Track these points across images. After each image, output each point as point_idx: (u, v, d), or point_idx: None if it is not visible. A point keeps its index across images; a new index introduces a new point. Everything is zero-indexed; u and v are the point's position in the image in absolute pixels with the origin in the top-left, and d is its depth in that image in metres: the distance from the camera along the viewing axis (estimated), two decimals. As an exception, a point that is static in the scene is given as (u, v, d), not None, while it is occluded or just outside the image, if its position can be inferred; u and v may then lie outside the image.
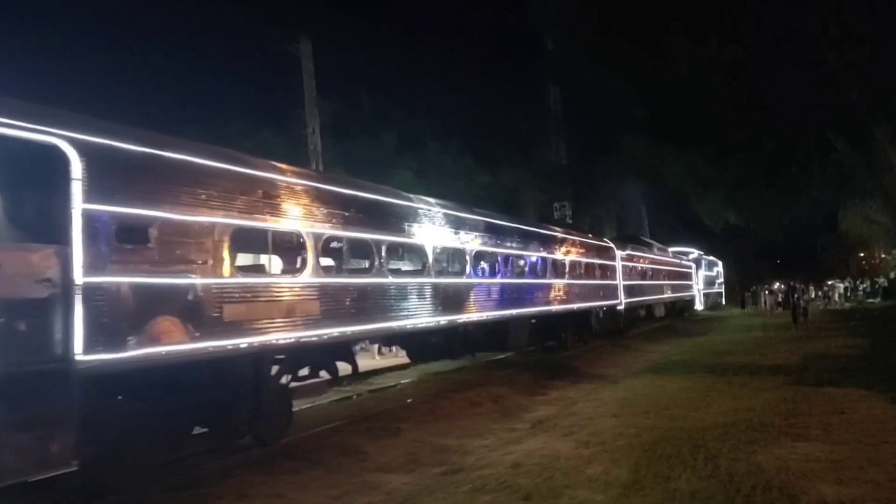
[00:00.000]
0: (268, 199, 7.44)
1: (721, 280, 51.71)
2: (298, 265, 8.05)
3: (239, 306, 6.80)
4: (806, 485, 5.78)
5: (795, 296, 27.09)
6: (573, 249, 17.71)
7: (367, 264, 9.42)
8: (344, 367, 9.50)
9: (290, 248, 8.43)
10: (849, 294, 41.46)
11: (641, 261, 25.75)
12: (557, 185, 42.13)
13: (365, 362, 14.90)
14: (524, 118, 40.31)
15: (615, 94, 27.54)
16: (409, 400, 10.98)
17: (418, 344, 12.28)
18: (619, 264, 21.67)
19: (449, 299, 10.96)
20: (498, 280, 13.09)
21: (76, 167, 5.38)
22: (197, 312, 6.31)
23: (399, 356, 15.51)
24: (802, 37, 19.33)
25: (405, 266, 12.02)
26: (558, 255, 16.45)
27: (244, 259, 8.48)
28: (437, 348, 12.53)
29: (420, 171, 28.20)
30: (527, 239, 14.79)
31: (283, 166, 8.13)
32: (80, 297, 5.25)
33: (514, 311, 13.48)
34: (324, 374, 9.14)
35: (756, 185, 26.68)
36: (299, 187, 8.03)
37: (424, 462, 7.45)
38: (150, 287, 5.89)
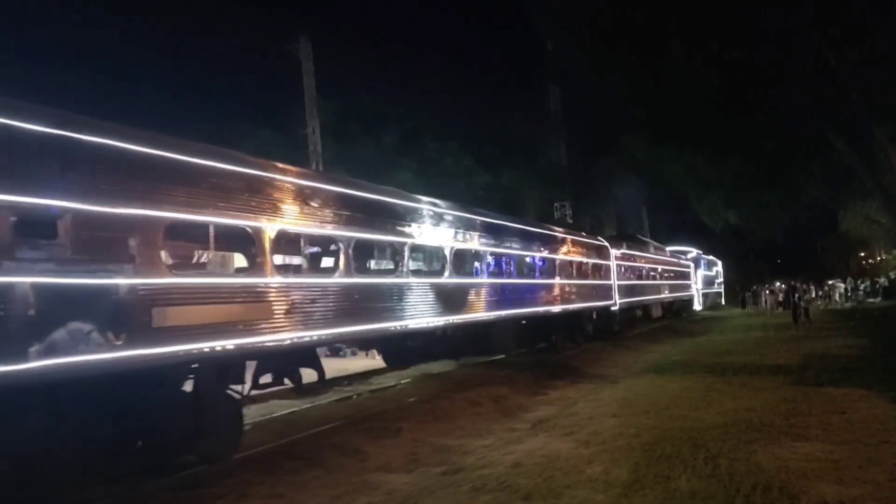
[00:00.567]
0: (214, 190, 6.75)
1: (720, 280, 51.31)
2: (251, 264, 7.44)
3: (173, 310, 6.12)
4: (806, 484, 5.78)
5: (796, 295, 27.09)
6: (564, 248, 17.24)
7: (333, 263, 8.89)
8: (325, 372, 9.29)
9: (240, 245, 7.91)
10: (849, 294, 41.45)
11: (637, 260, 25.33)
12: (557, 186, 42.22)
13: (336, 367, 14.43)
14: (524, 118, 40.41)
15: (615, 95, 27.55)
16: (411, 399, 10.97)
17: (394, 347, 11.79)
18: (613, 263, 21.18)
19: (426, 300, 10.54)
20: (481, 280, 12.59)
21: None
22: (120, 317, 5.61)
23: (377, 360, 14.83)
24: (802, 37, 19.33)
25: (381, 265, 11.53)
26: (548, 253, 15.96)
27: (185, 258, 7.97)
28: (416, 352, 12.02)
29: (420, 172, 28.23)
30: (513, 237, 14.25)
31: (232, 153, 7.47)
32: None
33: (498, 313, 12.95)
34: (320, 376, 9.01)
35: (756, 185, 26.66)
36: (252, 177, 7.41)
37: (425, 462, 7.44)
38: (59, 289, 5.18)
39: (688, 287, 37.04)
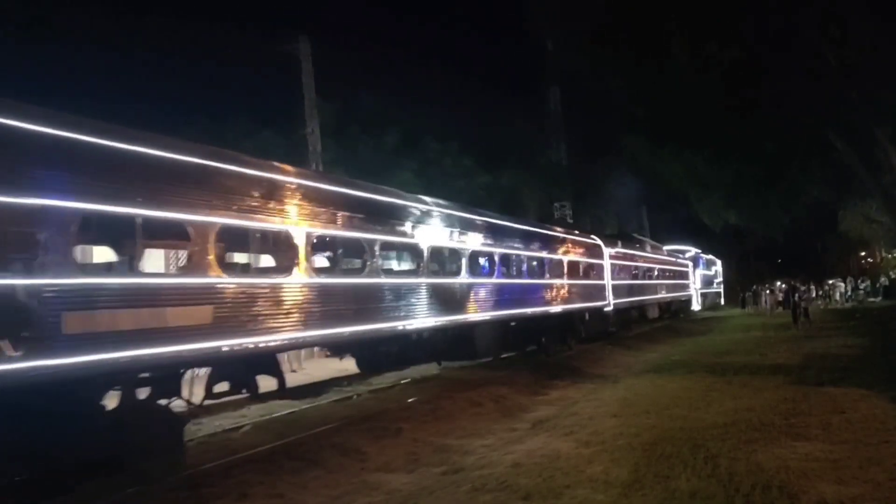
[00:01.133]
0: (137, 180, 6.03)
1: (720, 279, 50.77)
2: (184, 262, 6.78)
3: (90, 314, 5.48)
4: (806, 484, 5.78)
5: (796, 295, 27.08)
6: (555, 246, 16.60)
7: (290, 261, 8.13)
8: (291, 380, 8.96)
9: (171, 241, 7.47)
10: (849, 293, 41.44)
11: (633, 259, 24.70)
12: (558, 186, 42.23)
13: (299, 376, 14.21)
14: (524, 119, 40.44)
15: (615, 95, 27.55)
16: (411, 399, 10.97)
17: (366, 352, 11.19)
18: (607, 263, 20.49)
19: (401, 302, 9.96)
20: (462, 280, 11.90)
21: None
22: (18, 323, 4.98)
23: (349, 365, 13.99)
24: (802, 37, 19.34)
25: (350, 264, 10.82)
26: (537, 252, 15.33)
27: (105, 256, 7.52)
28: (391, 356, 11.39)
29: (420, 172, 28.23)
30: (499, 234, 13.59)
31: (157, 137, 6.58)
32: None
33: (482, 315, 12.40)
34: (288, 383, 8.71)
35: (756, 185, 26.65)
36: (186, 165, 6.68)
37: (425, 462, 7.45)
38: None
39: (686, 287, 36.45)
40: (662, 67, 21.44)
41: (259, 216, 7.49)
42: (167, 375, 6.82)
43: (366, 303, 9.19)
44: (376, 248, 9.51)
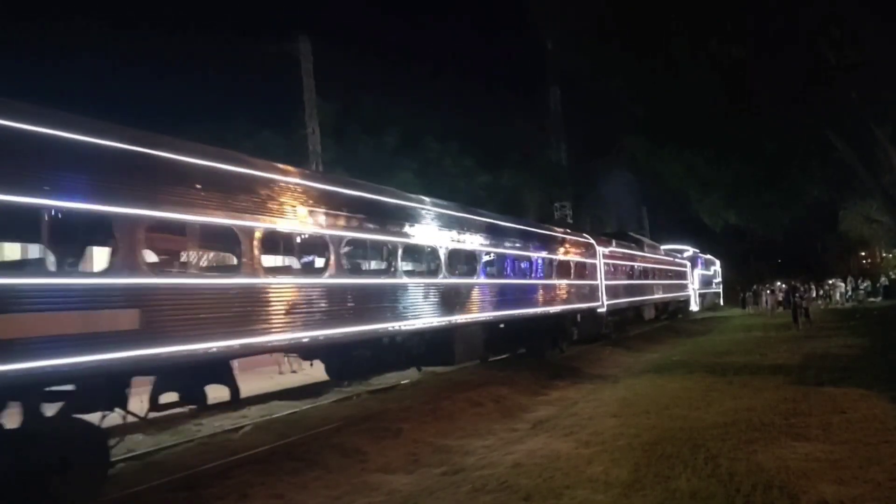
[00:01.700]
0: (43, 165, 5.39)
1: (719, 280, 50.32)
2: (114, 261, 5.97)
3: None
4: (806, 484, 5.78)
5: (796, 295, 27.07)
6: (542, 245, 15.89)
7: (235, 261, 7.47)
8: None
9: (91, 237, 6.80)
10: (849, 293, 41.45)
11: (628, 258, 24.07)
12: (558, 186, 42.26)
13: (262, 383, 13.57)
14: (525, 119, 40.48)
15: (615, 95, 27.56)
16: (411, 400, 10.97)
17: (336, 357, 10.37)
18: (600, 262, 19.79)
19: (370, 304, 9.29)
20: (439, 280, 11.18)
21: None
22: None
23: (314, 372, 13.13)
24: (803, 37, 19.35)
25: (313, 264, 10.26)
26: (523, 251, 14.71)
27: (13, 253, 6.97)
28: (364, 362, 10.61)
29: (420, 172, 28.25)
30: (483, 232, 12.94)
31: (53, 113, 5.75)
32: None
33: (463, 318, 11.72)
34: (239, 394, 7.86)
35: (756, 185, 26.64)
36: (104, 150, 5.91)
37: (425, 462, 7.45)
38: None
39: (684, 287, 35.88)
40: (663, 67, 21.44)
41: (198, 209, 6.72)
42: (90, 387, 6.13)
43: (334, 305, 8.52)
44: (342, 245, 8.77)
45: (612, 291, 20.96)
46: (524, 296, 14.50)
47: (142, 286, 6.08)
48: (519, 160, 37.59)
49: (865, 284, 42.88)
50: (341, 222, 8.93)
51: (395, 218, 10.23)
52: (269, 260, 9.15)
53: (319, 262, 9.32)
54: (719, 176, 27.19)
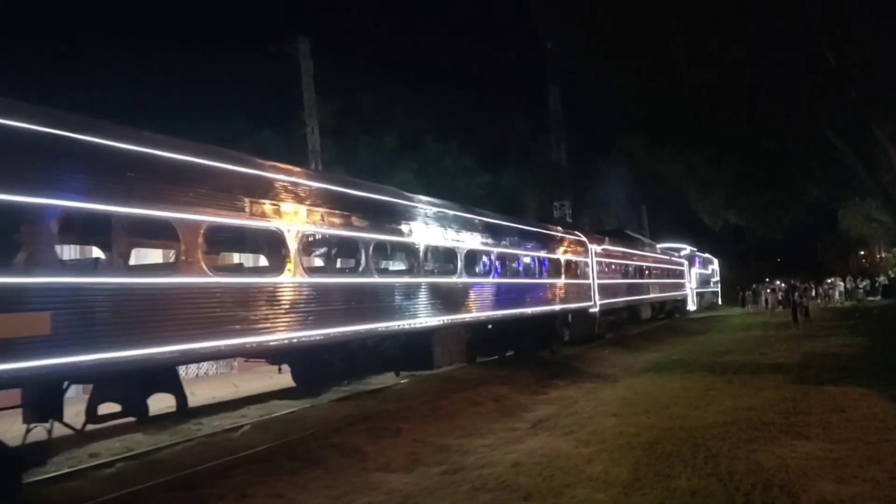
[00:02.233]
0: None
1: (717, 279, 49.80)
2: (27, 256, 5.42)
3: None
4: (806, 483, 5.78)
5: (796, 294, 27.08)
6: (530, 243, 15.26)
7: (172, 257, 6.91)
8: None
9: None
10: (849, 292, 41.46)
11: (622, 257, 23.50)
12: (557, 185, 42.30)
13: (262, 383, 13.12)
14: (524, 118, 40.52)
15: (615, 95, 27.57)
16: (411, 399, 10.96)
17: (302, 363, 9.67)
18: (592, 260, 19.16)
19: (336, 306, 8.65)
20: (414, 279, 10.52)
21: None
22: None
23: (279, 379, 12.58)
24: (803, 37, 19.36)
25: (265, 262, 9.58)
26: (509, 248, 14.05)
27: None
28: (332, 367, 9.83)
29: (420, 172, 28.27)
30: (462, 229, 12.23)
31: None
32: None
33: (441, 319, 11.07)
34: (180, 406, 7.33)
35: (756, 184, 26.68)
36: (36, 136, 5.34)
37: (425, 462, 7.45)
38: None
39: (681, 286, 35.40)
40: (662, 67, 21.45)
41: (127, 199, 6.01)
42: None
43: (294, 306, 7.90)
44: (294, 240, 7.97)
45: (606, 291, 20.44)
46: (509, 295, 13.87)
47: (54, 286, 5.37)
48: (518, 160, 37.63)
49: (864, 283, 42.90)
50: (301, 215, 8.17)
51: (364, 212, 9.44)
52: (222, 257, 8.91)
53: (277, 260, 8.31)
54: (719, 175, 27.22)
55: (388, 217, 10.13)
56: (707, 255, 47.04)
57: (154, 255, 10.42)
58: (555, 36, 34.66)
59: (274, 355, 9.28)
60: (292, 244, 7.94)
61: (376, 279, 9.65)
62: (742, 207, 30.01)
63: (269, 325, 7.47)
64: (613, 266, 22.15)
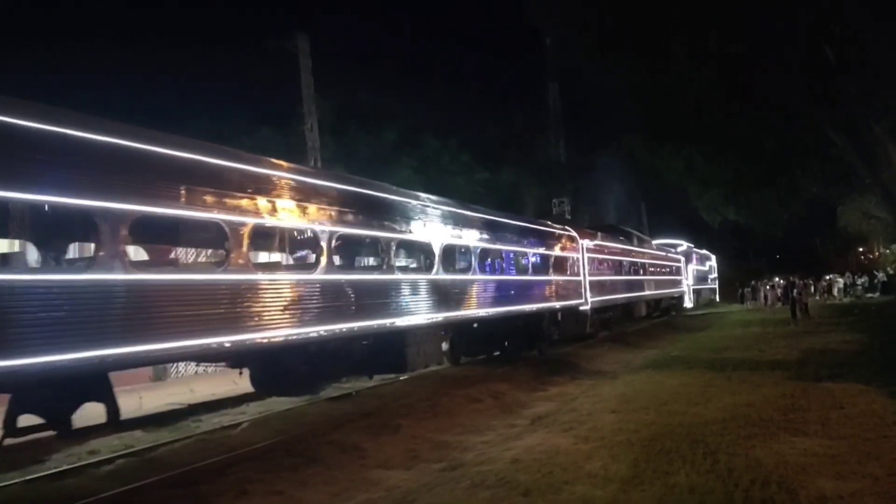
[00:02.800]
0: None
1: (714, 275, 49.23)
2: None
3: None
4: (805, 479, 5.79)
5: (795, 291, 27.11)
6: (516, 237, 14.56)
7: (93, 252, 6.05)
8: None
9: None
10: (848, 289, 41.50)
11: (615, 253, 22.69)
12: (557, 182, 42.33)
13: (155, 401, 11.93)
14: (523, 115, 40.52)
15: (615, 91, 27.56)
16: (410, 397, 10.96)
17: (265, 367, 8.90)
18: (583, 256, 18.48)
19: (290, 306, 7.89)
20: (382, 277, 9.77)
21: None
22: None
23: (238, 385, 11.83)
24: (802, 33, 19.34)
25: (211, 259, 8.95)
26: (492, 244, 13.39)
27: None
28: (294, 372, 8.97)
29: (419, 169, 28.29)
30: (440, 222, 11.50)
31: None
32: None
33: (415, 319, 10.38)
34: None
35: (755, 181, 26.68)
36: None
37: (424, 458, 7.45)
38: None
39: (678, 283, 34.82)
40: (662, 64, 21.43)
41: (72, 188, 5.56)
42: None
43: (239, 306, 7.16)
44: (243, 234, 7.22)
45: (598, 288, 19.82)
46: (493, 293, 13.22)
47: None
48: (518, 157, 37.64)
49: (863, 280, 42.94)
50: (245, 205, 7.32)
51: (323, 203, 8.61)
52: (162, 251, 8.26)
53: (224, 255, 7.30)
54: (718, 172, 27.22)
55: (352, 208, 9.23)
56: (705, 251, 46.50)
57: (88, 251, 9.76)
58: (553, 33, 34.66)
59: (225, 359, 8.65)
60: (242, 237, 7.19)
61: (337, 276, 8.82)
62: (741, 204, 30.01)
63: (216, 325, 6.79)
64: (606, 262, 21.54)
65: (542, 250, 15.92)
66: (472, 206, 13.74)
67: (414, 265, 12.25)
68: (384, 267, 9.91)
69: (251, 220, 7.38)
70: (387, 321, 9.68)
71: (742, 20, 19.55)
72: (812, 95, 20.53)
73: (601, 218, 45.42)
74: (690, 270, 39.42)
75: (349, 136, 27.53)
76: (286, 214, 8.00)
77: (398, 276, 10.16)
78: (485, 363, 14.69)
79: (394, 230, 10.12)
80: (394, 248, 10.07)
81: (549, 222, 18.72)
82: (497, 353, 14.97)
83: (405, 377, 12.37)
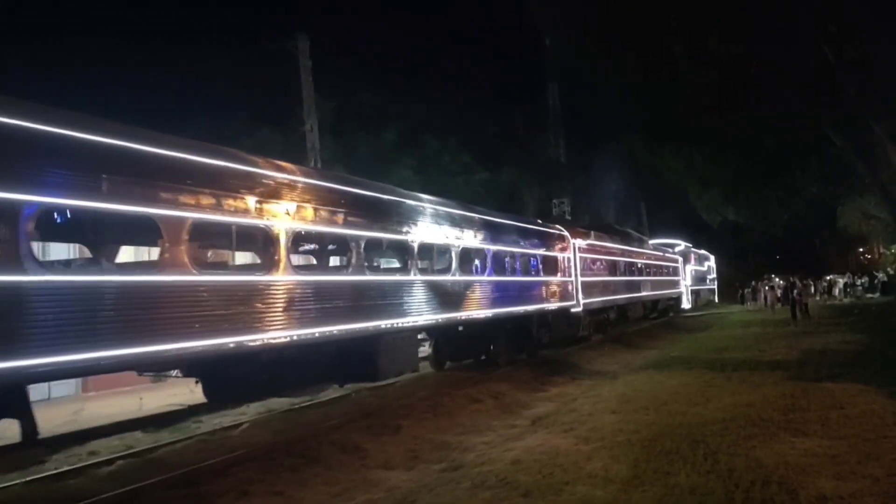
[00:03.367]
0: None
1: (713, 276, 48.59)
2: None
3: None
4: (805, 479, 5.79)
5: (795, 291, 27.12)
6: (502, 236, 13.93)
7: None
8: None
9: None
10: (847, 289, 41.50)
11: (609, 253, 21.89)
12: (556, 182, 42.32)
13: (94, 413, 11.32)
14: (523, 115, 40.54)
15: (614, 91, 27.60)
16: (411, 397, 10.97)
17: (219, 376, 7.96)
18: (575, 256, 17.84)
19: (239, 309, 7.11)
20: (348, 278, 9.05)
21: None
22: None
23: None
24: (801, 33, 19.36)
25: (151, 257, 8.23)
26: (474, 243, 12.71)
27: None
28: (250, 381, 8.09)
29: (419, 169, 28.28)
30: (416, 219, 10.78)
31: None
32: None
33: (388, 322, 9.69)
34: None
35: (755, 181, 26.70)
36: None
37: (424, 459, 7.46)
38: None
39: (675, 284, 34.04)
40: (661, 65, 21.45)
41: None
42: None
43: (183, 310, 6.46)
44: (183, 231, 6.41)
45: (591, 289, 19.14)
46: (476, 295, 12.59)
47: None
48: (518, 157, 37.62)
49: (863, 280, 42.94)
50: (186, 199, 6.49)
51: (282, 198, 7.84)
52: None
53: (163, 255, 6.43)
54: (718, 172, 27.24)
55: (312, 204, 8.38)
56: (703, 251, 45.98)
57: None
58: (553, 33, 34.66)
59: (170, 368, 8.05)
60: (180, 233, 6.37)
61: (295, 277, 8.02)
62: (741, 204, 30.03)
63: (154, 332, 6.06)
64: (600, 263, 20.80)
65: (530, 250, 15.34)
66: (450, 202, 12.94)
67: (396, 265, 11.85)
68: (351, 268, 9.11)
69: (191, 215, 6.53)
70: (354, 326, 8.92)
71: (742, 20, 19.56)
72: (811, 95, 20.55)
73: (601, 218, 45.35)
74: (688, 271, 38.80)
75: (349, 136, 27.52)
76: (236, 209, 7.14)
77: (368, 277, 9.42)
78: (471, 368, 14.03)
79: (362, 227, 9.33)
80: (362, 246, 9.25)
81: (539, 220, 18.11)
82: (484, 358, 14.38)
83: (374, 385, 11.53)
